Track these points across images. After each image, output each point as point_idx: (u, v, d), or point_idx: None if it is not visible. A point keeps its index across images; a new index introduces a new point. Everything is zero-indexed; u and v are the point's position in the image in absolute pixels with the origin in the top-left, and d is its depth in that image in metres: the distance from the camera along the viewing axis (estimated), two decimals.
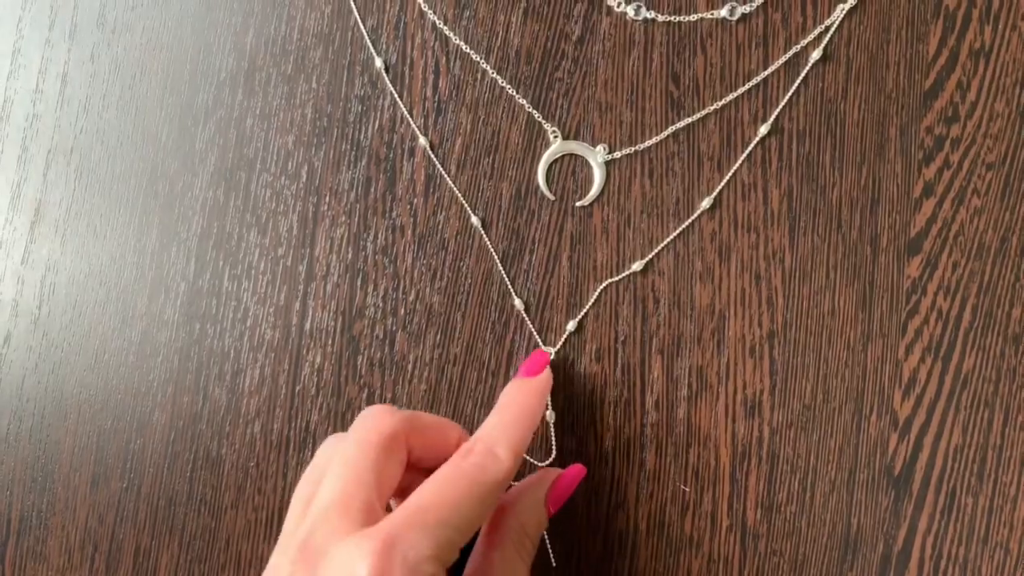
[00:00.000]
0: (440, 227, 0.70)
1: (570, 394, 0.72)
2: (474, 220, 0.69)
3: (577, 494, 0.68)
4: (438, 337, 0.70)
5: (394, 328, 0.70)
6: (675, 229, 0.68)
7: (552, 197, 0.69)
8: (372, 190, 0.70)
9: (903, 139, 0.66)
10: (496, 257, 0.69)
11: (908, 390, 0.68)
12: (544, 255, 0.69)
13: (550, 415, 0.68)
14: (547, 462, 0.68)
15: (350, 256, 0.70)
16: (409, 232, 0.70)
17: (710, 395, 0.67)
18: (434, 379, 0.70)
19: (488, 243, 0.69)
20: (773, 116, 0.67)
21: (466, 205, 0.70)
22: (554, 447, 0.68)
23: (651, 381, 0.68)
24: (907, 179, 0.67)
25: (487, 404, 0.70)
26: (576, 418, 0.69)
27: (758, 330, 0.67)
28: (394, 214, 0.70)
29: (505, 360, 0.70)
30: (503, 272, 0.69)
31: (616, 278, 0.68)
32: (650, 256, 0.68)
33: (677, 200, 0.68)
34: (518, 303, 0.69)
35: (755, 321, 0.67)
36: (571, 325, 0.68)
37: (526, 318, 0.69)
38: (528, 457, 0.69)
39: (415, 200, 0.70)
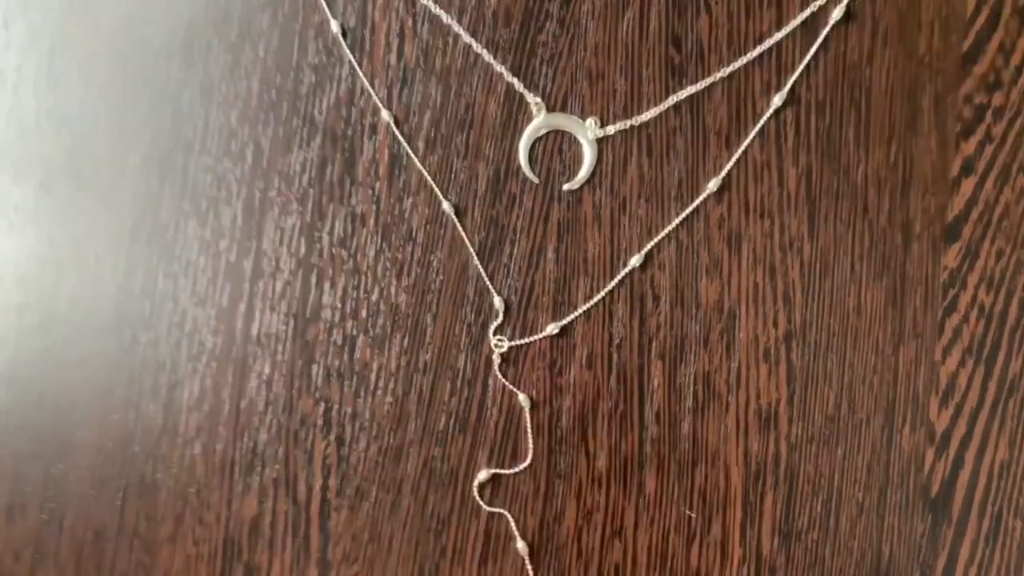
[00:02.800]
0: (407, 215, 0.64)
1: (558, 407, 0.66)
2: (446, 207, 0.63)
3: (567, 520, 0.62)
4: (405, 342, 0.64)
5: (354, 332, 0.64)
6: (677, 215, 0.62)
7: (536, 180, 0.63)
8: (328, 173, 0.64)
9: (938, 110, 0.61)
10: (472, 249, 0.63)
11: (946, 398, 0.62)
12: (527, 247, 0.63)
13: (523, 400, 0.62)
14: (521, 467, 0.63)
15: (303, 249, 0.65)
16: (371, 221, 0.64)
17: (719, 406, 0.61)
18: (401, 391, 0.64)
19: (462, 233, 0.63)
20: (788, 85, 0.61)
21: (436, 189, 0.64)
22: (529, 450, 0.62)
23: (651, 390, 0.62)
24: (943, 155, 0.61)
25: (462, 419, 0.64)
26: (565, 434, 0.63)
27: (773, 331, 0.61)
28: (353, 200, 0.64)
29: (483, 368, 0.64)
30: (480, 267, 0.63)
31: (611, 274, 0.62)
32: (649, 247, 0.62)
33: (679, 182, 0.62)
34: (498, 302, 0.63)
35: (770, 320, 0.61)
36: (552, 328, 0.62)
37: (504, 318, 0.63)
38: (500, 470, 0.63)
39: (378, 184, 0.64)
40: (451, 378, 0.65)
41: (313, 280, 0.66)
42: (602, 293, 0.63)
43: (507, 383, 0.64)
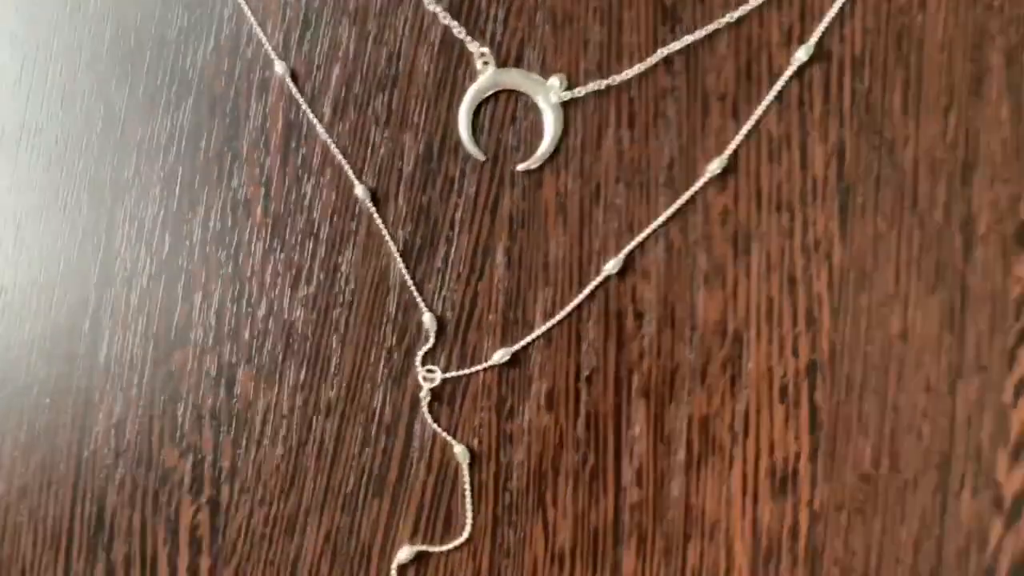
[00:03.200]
0: (306, 202, 0.52)
1: (507, 462, 0.51)
2: (359, 191, 0.51)
3: None
4: (303, 374, 0.50)
5: (234, 360, 0.50)
6: (667, 207, 0.49)
7: (481, 157, 0.50)
8: (203, 145, 0.51)
9: (1010, 70, 0.49)
10: (394, 249, 0.50)
11: (1018, 452, 0.49)
12: (469, 247, 0.51)
13: (461, 452, 0.48)
14: (456, 542, 0.48)
15: (167, 248, 0.50)
16: (258, 210, 0.51)
17: (720, 461, 0.48)
18: (296, 440, 0.50)
19: (382, 227, 0.51)
20: (816, 35, 0.49)
21: (347, 168, 0.51)
22: (468, 520, 0.48)
23: (631, 440, 0.48)
24: (1017, 131, 0.48)
25: (377, 477, 0.49)
26: (515, 497, 0.49)
27: (792, 361, 0.48)
28: (235, 182, 0.52)
29: (407, 409, 0.50)
30: (405, 272, 0.50)
31: (581, 284, 0.48)
32: (630, 247, 0.49)
33: (671, 162, 0.49)
34: (428, 320, 0.49)
35: (788, 347, 0.48)
36: (500, 355, 0.48)
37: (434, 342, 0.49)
38: (428, 546, 0.49)
39: (268, 160, 0.53)
40: (364, 422, 0.53)
41: (180, 289, 0.52)
42: (567, 309, 0.51)
43: (439, 429, 0.51)
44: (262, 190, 0.55)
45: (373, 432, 0.52)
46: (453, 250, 0.53)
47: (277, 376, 0.54)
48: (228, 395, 0.54)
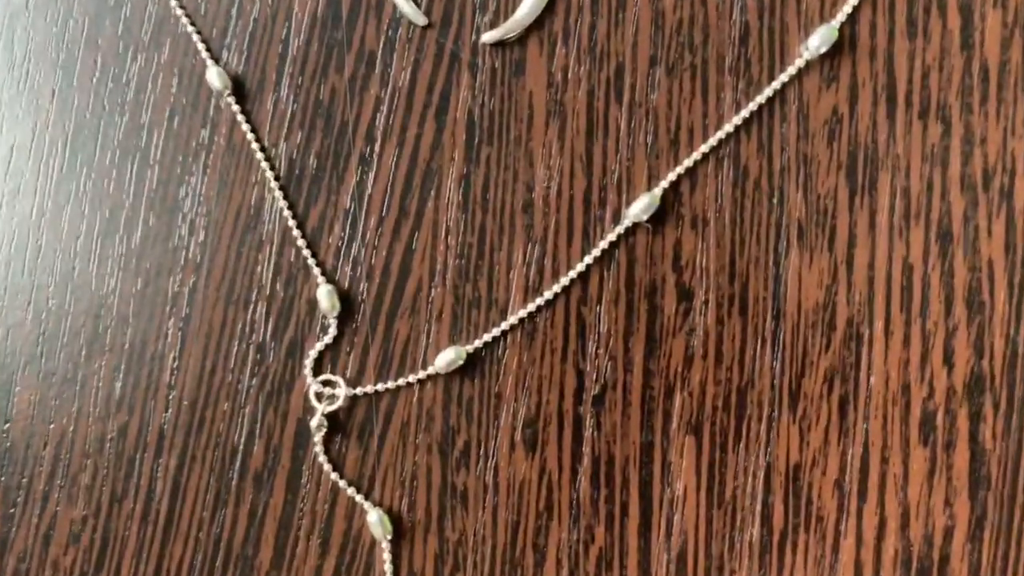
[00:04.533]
0: (130, 94, 0.30)
1: (458, 537, 0.31)
2: (214, 77, 0.31)
3: None
4: (120, 386, 0.31)
5: (6, 360, 0.30)
6: (736, 106, 0.29)
7: (422, 20, 0.30)
8: None
9: None
10: (271, 177, 0.31)
11: None
12: (398, 172, 0.30)
13: (378, 521, 0.29)
14: None
15: None
16: (51, 103, 0.30)
17: (819, 543, 0.30)
18: (105, 494, 0.31)
19: (251, 138, 0.31)
20: None
21: (197, 39, 0.30)
22: None
23: (668, 503, 0.30)
24: None
25: (242, 565, 0.30)
26: None
27: (943, 373, 0.28)
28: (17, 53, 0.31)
29: (288, 446, 0.31)
30: (289, 216, 0.31)
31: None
32: (673, 174, 0.30)
33: (745, 31, 0.29)
34: (325, 297, 0.30)
35: (936, 350, 0.29)
36: (448, 358, 0.29)
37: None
38: None
39: (68, 25, 0.30)
40: (216, 466, 0.31)
41: None
42: (565, 279, 0.31)
43: (342, 482, 0.31)
44: (57, 74, 0.35)
45: (232, 482, 0.31)
46: (371, 179, 0.32)
47: (77, 387, 0.34)
48: None
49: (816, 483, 0.32)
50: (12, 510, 0.33)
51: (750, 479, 0.32)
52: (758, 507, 0.32)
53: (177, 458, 0.32)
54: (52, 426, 0.33)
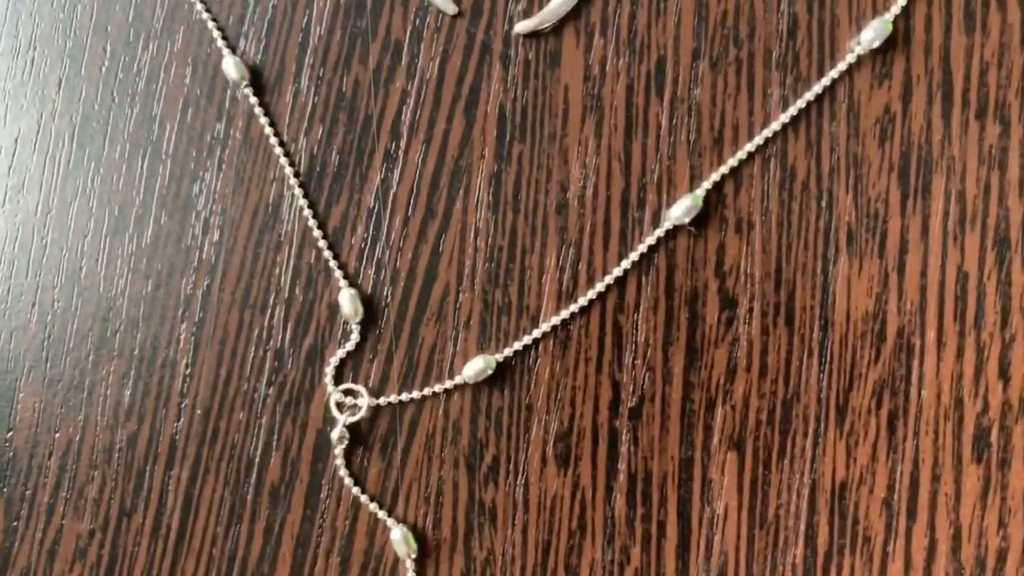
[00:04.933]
0: (141, 84, 0.29)
1: (486, 556, 0.30)
2: (230, 67, 0.29)
3: None
4: (129, 392, 0.30)
5: (7, 367, 0.28)
6: (785, 101, 0.28)
7: (452, 8, 0.29)
8: None
9: None
10: (291, 173, 0.29)
11: None
12: (425, 170, 0.28)
13: (402, 539, 0.28)
14: None
15: None
16: (57, 94, 0.29)
17: (866, 564, 0.28)
18: (114, 508, 0.29)
19: (269, 132, 0.30)
20: None
21: (213, 27, 0.29)
22: None
23: (708, 521, 0.29)
24: None
25: None
26: None
27: (998, 387, 0.27)
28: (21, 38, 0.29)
29: (308, 459, 0.29)
30: (309, 215, 0.30)
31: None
32: (718, 173, 0.29)
33: (793, 22, 0.28)
34: (347, 301, 0.29)
35: (991, 362, 0.28)
36: (477, 367, 0.28)
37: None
38: None
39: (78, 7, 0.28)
40: (231, 478, 0.30)
41: None
42: (601, 285, 0.30)
43: (364, 497, 0.30)
44: (64, 62, 0.34)
45: (247, 496, 0.30)
46: (396, 176, 0.31)
47: (84, 394, 0.32)
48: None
49: (863, 502, 0.30)
50: (15, 523, 0.31)
51: (794, 497, 0.30)
52: (802, 527, 0.31)
53: (190, 470, 0.31)
54: (58, 435, 0.31)
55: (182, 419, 0.31)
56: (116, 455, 0.31)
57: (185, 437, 0.31)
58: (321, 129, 0.31)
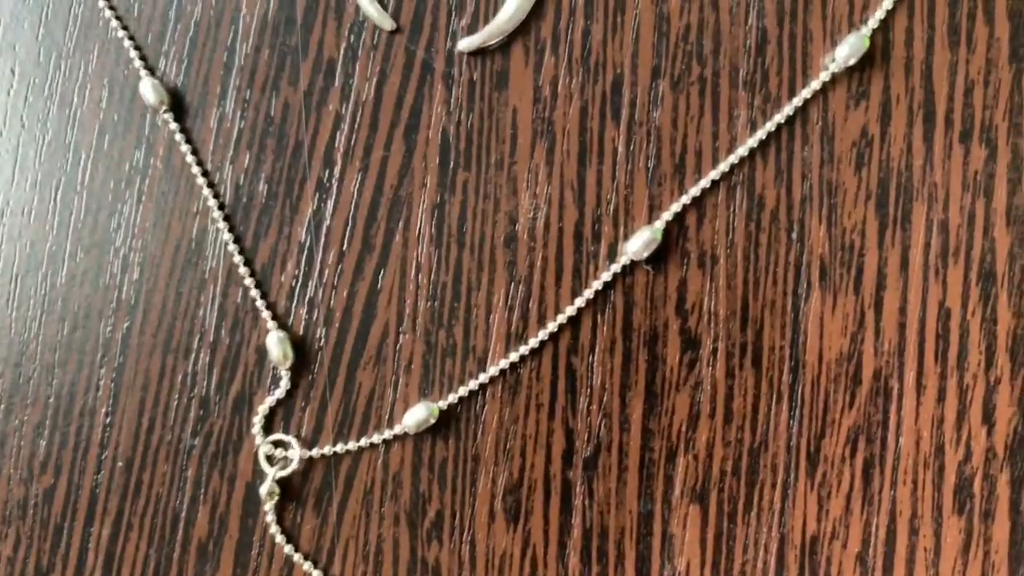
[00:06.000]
0: (69, 108, 0.26)
1: None
2: (147, 90, 0.27)
3: None
4: (44, 444, 0.28)
5: None
6: (753, 123, 0.26)
7: (389, 24, 0.27)
8: None
9: None
10: (215, 205, 0.28)
11: None
12: (361, 200, 0.27)
13: None
14: None
15: None
16: None
17: None
18: (30, 567, 0.27)
19: (191, 161, 0.27)
20: None
21: (129, 47, 0.27)
22: None
23: None
24: None
25: None
26: None
27: (981, 432, 0.26)
28: None
29: (236, 519, 0.27)
30: (235, 250, 0.28)
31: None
32: (679, 204, 0.27)
33: (763, 34, 0.26)
34: (275, 345, 0.27)
35: (975, 406, 0.26)
36: (418, 415, 0.26)
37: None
38: None
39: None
40: (150, 535, 0.28)
41: None
42: (553, 324, 0.27)
43: (299, 558, 0.27)
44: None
45: (173, 553, 0.27)
46: (330, 208, 0.28)
47: None
48: None
49: (836, 557, 0.28)
50: None
51: (761, 552, 0.28)
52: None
53: (111, 526, 0.28)
54: None
55: (102, 471, 0.29)
56: (31, 511, 0.29)
57: (106, 491, 0.29)
58: (248, 156, 0.29)
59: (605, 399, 0.29)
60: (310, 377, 0.29)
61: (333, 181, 0.30)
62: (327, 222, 0.30)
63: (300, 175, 0.30)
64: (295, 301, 0.29)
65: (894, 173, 0.29)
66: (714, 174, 0.29)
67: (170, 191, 0.29)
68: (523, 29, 0.29)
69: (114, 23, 0.29)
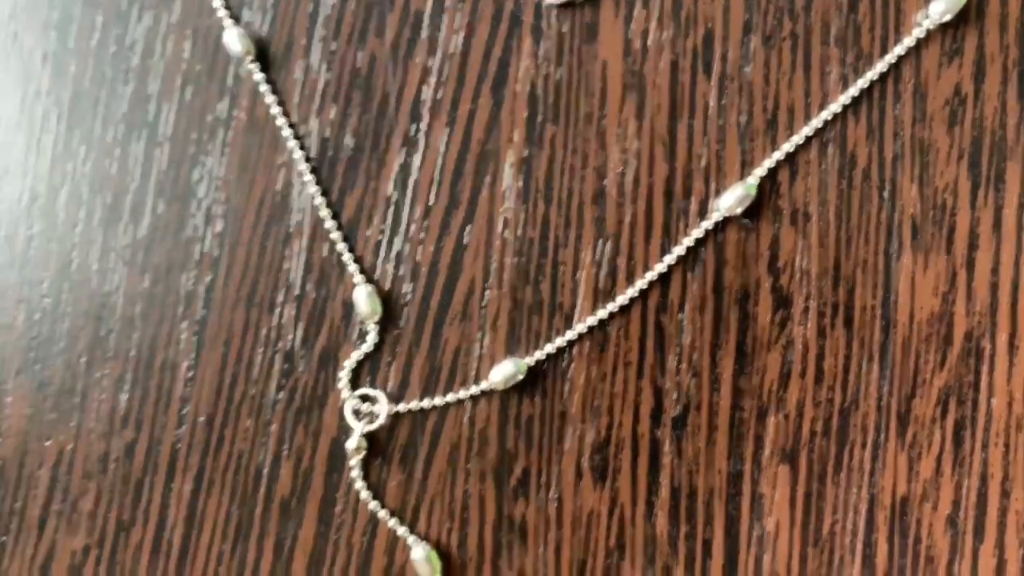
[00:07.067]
0: (133, 60, 0.26)
1: None
2: (232, 39, 0.26)
3: None
4: (124, 396, 0.28)
5: None
6: (845, 80, 0.25)
7: None
8: None
9: None
10: (300, 156, 0.27)
11: None
12: (448, 154, 0.26)
13: (425, 560, 0.27)
14: None
15: None
16: (44, 74, 0.26)
17: (932, 570, 0.26)
18: (112, 524, 0.27)
19: (276, 112, 0.27)
20: None
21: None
22: None
23: (756, 540, 0.27)
24: None
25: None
26: None
27: None
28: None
29: (320, 471, 0.27)
30: (321, 203, 0.27)
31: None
32: (774, 158, 0.27)
33: None
34: (364, 298, 0.27)
35: None
36: (506, 371, 0.26)
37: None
38: None
39: None
40: (234, 489, 0.27)
41: None
42: (642, 281, 0.27)
43: (383, 513, 0.27)
44: (50, 34, 0.32)
45: (256, 510, 0.27)
46: (417, 162, 0.28)
47: (76, 399, 0.29)
48: None
49: (926, 519, 0.28)
50: (4, 538, 0.29)
51: (851, 514, 0.28)
52: (859, 546, 0.28)
53: (192, 482, 0.28)
54: (48, 444, 0.29)
55: (183, 427, 0.29)
56: (112, 465, 0.29)
57: (187, 446, 0.29)
58: (334, 109, 0.29)
59: (695, 358, 0.29)
60: (396, 332, 0.29)
61: (420, 135, 0.29)
62: (413, 176, 0.29)
63: (387, 128, 0.29)
64: (381, 256, 0.29)
65: (987, 132, 0.29)
66: (806, 131, 0.29)
67: (254, 143, 0.29)
68: None
69: None
